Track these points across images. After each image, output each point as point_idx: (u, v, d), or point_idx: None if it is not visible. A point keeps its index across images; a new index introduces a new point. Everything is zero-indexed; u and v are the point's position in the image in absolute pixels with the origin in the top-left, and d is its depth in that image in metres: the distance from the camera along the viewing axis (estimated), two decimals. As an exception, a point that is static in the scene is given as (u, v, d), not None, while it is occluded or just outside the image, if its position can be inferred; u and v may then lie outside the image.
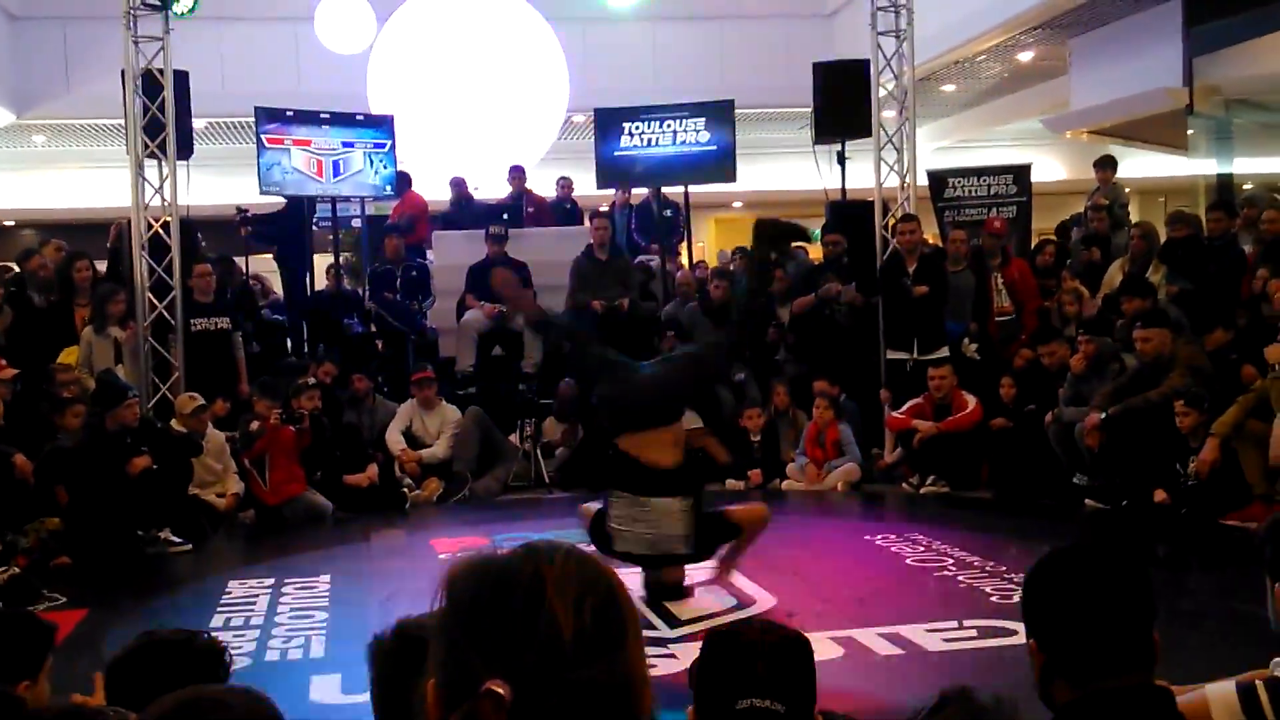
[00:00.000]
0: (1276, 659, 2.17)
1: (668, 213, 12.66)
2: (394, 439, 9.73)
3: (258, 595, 6.53)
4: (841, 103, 10.95)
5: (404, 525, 8.92)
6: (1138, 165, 18.13)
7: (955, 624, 5.44)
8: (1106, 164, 12.18)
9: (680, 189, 12.53)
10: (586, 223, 12.04)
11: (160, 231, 9.95)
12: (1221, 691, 2.12)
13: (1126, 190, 13.53)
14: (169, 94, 9.87)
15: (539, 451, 10.07)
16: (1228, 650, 2.62)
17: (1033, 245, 11.97)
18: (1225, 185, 15.35)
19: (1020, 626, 2.02)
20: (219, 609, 6.27)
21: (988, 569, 6.49)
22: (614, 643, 1.11)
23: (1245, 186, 15.05)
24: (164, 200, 9.99)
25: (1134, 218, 12.79)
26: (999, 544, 7.08)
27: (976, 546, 7.03)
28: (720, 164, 12.01)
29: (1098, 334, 8.95)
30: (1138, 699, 1.85)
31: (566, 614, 1.09)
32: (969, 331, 10.24)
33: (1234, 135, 15.47)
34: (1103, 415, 8.05)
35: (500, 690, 1.06)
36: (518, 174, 12.95)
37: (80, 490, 7.65)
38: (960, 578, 6.36)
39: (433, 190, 13.50)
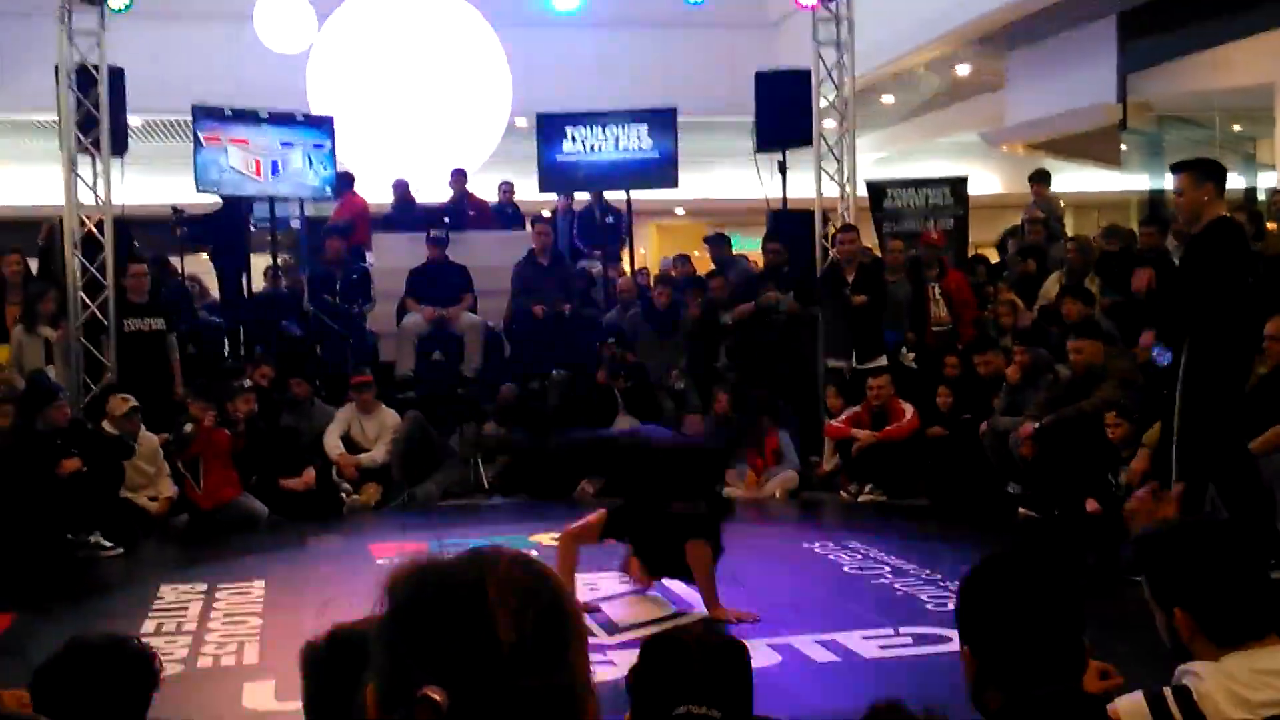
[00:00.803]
0: (1182, 666, 2.22)
1: (610, 219, 12.67)
2: (332, 443, 9.63)
3: (190, 601, 6.43)
4: (783, 112, 11.04)
5: (341, 530, 8.83)
6: (1072, 179, 18.45)
7: (891, 631, 5.49)
8: (1041, 177, 12.39)
9: (622, 195, 12.54)
10: (528, 227, 12.03)
11: (93, 230, 9.80)
12: (1132, 704, 2.15)
13: (1061, 204, 13.75)
14: (103, 90, 9.72)
15: (479, 457, 10.02)
16: (1157, 659, 2.67)
17: (970, 256, 12.13)
18: (1157, 200, 15.67)
19: (956, 633, 2.04)
20: (150, 614, 6.17)
21: (924, 576, 6.56)
22: (555, 652, 1.10)
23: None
24: (97, 198, 9.84)
25: (1068, 231, 13.00)
26: (935, 552, 7.15)
27: (913, 554, 7.10)
28: (663, 171, 12.05)
29: (1033, 345, 9.08)
30: (1067, 706, 1.88)
31: (507, 621, 1.07)
32: (906, 341, 10.36)
33: (1165, 151, 15.80)
34: (1036, 425, 8.17)
35: (437, 697, 1.04)
36: (459, 177, 12.89)
37: (8, 492, 7.49)
38: (897, 585, 6.42)
39: (373, 192, 13.41)
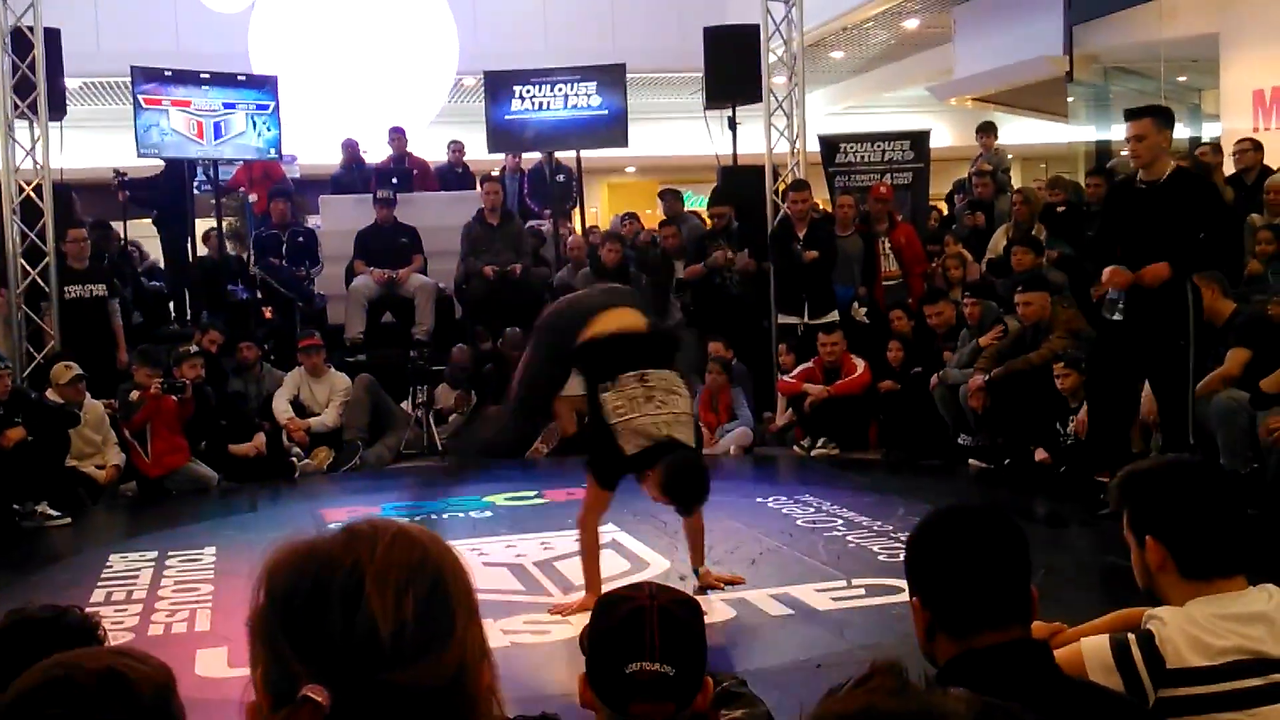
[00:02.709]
0: (1149, 612, 2.24)
1: (560, 177, 12.58)
2: (281, 407, 9.54)
3: (140, 569, 6.37)
4: (732, 68, 10.99)
5: (292, 495, 8.77)
6: (1019, 131, 18.53)
7: (844, 583, 5.54)
8: (988, 129, 12.42)
9: (572, 153, 12.45)
10: (479, 187, 11.91)
11: (32, 195, 9.61)
12: (1095, 645, 2.17)
13: (1009, 156, 13.81)
14: (39, 52, 9.51)
15: (431, 419, 9.97)
16: (1102, 602, 2.72)
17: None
18: (1104, 151, 15.77)
19: (906, 584, 2.05)
20: (100, 583, 6.10)
21: (875, 528, 6.61)
22: (438, 637, 1.06)
23: (1123, 153, 15.44)
24: (36, 163, 9.64)
25: (1015, 183, 13.06)
26: (887, 504, 7.22)
27: (865, 507, 7.16)
28: (612, 128, 11.95)
29: (981, 297, 9.13)
30: (1016, 654, 1.90)
31: (385, 611, 1.03)
32: (858, 296, 10.39)
33: (1112, 102, 15.89)
34: (985, 377, 8.24)
35: (318, 697, 1.01)
36: (398, 136, 12.74)
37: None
38: (849, 538, 6.47)
39: (319, 154, 13.21)
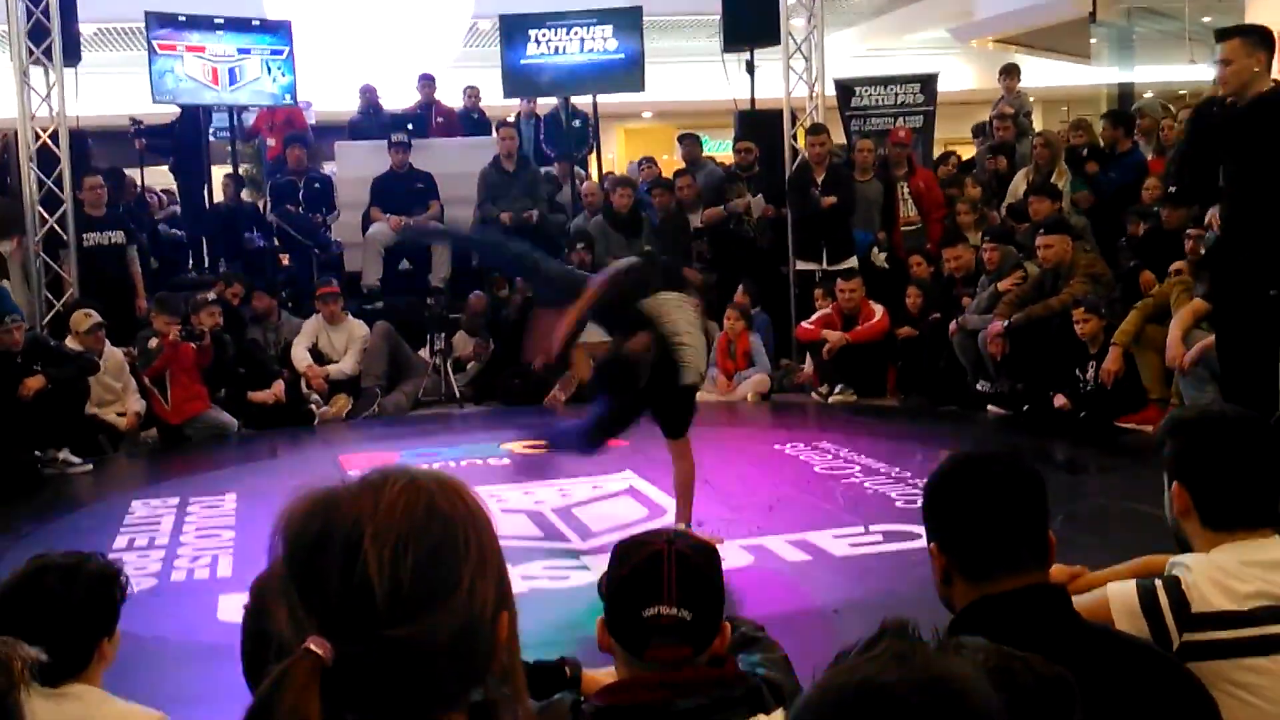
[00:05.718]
0: (1174, 559, 2.23)
1: (576, 123, 12.49)
2: (299, 355, 9.57)
3: (162, 515, 6.42)
4: (750, 10, 10.86)
5: (311, 442, 8.81)
6: (1041, 74, 18.30)
7: (862, 529, 5.55)
8: (1011, 71, 12.27)
9: (589, 98, 12.35)
10: (494, 133, 11.84)
11: (49, 142, 9.60)
12: (1122, 591, 2.17)
13: (1031, 99, 13.64)
14: (53, -2, 9.47)
15: (449, 366, 9.99)
16: (1121, 548, 2.71)
17: (936, 155, 12.03)
18: (1126, 94, 15.60)
19: (924, 530, 2.05)
20: (122, 529, 6.15)
21: (893, 475, 6.61)
22: (439, 594, 1.05)
23: (1146, 95, 15.26)
24: (51, 110, 9.62)
25: (1037, 127, 12.92)
26: (904, 450, 7.21)
27: (882, 453, 7.15)
28: (629, 73, 11.83)
29: (1001, 242, 9.06)
30: (1033, 599, 1.89)
31: (380, 567, 1.03)
32: (877, 241, 10.32)
33: (1135, 43, 15.68)
34: (1005, 323, 8.19)
35: (318, 650, 1.01)
36: (427, 83, 12.65)
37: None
38: (867, 484, 6.48)
39: (334, 100, 13.11)
